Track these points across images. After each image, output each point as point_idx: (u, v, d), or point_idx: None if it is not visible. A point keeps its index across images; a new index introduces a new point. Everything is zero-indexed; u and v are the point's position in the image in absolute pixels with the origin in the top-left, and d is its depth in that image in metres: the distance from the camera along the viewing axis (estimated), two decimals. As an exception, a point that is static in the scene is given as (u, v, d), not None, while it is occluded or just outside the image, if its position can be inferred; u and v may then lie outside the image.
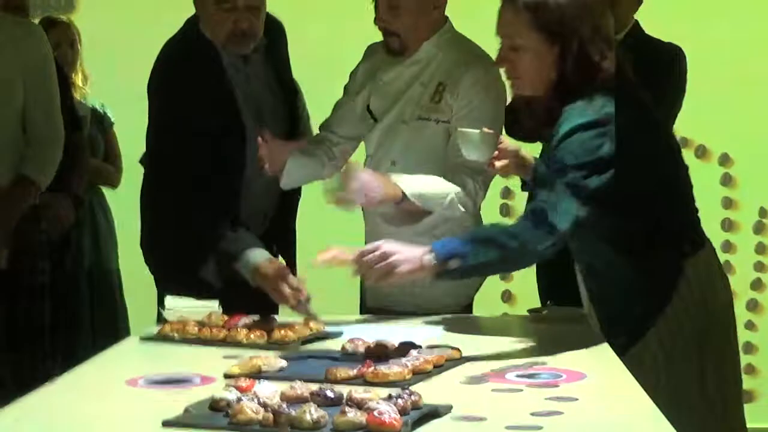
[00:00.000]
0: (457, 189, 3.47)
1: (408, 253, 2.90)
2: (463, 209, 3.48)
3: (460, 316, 3.56)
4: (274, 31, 3.84)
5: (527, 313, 3.53)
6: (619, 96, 3.04)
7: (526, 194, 3.50)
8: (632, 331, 3.11)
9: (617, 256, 3.09)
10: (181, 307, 3.48)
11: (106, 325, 5.14)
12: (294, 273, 3.80)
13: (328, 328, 3.26)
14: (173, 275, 3.65)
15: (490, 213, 3.84)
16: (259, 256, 3.49)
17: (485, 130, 3.30)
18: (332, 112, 3.79)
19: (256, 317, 3.27)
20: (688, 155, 5.76)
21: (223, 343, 3.13)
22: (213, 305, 3.48)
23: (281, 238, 3.87)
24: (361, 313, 3.75)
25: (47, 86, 4.03)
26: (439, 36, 3.63)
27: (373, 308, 3.68)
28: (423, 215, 3.43)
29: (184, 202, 3.57)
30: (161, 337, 3.22)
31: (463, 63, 3.58)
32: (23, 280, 4.01)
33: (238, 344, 3.11)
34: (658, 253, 3.11)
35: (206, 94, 3.63)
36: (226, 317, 3.29)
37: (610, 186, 2.96)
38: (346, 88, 3.80)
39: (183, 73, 3.66)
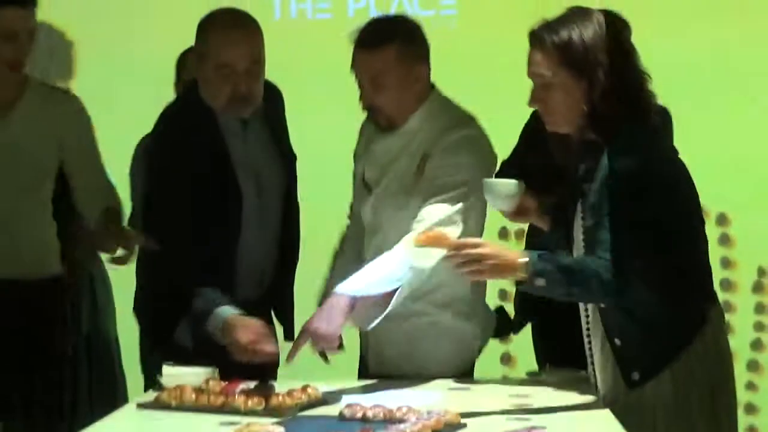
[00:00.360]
0: (409, 252, 3.36)
1: (504, 259, 3.02)
2: (432, 259, 3.34)
3: (459, 380, 3.54)
4: (272, 96, 3.86)
5: (526, 376, 3.51)
6: (656, 129, 3.19)
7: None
8: (648, 368, 3.15)
9: (648, 292, 3.12)
10: (179, 374, 3.46)
11: (104, 392, 5.10)
12: (292, 336, 3.80)
13: (326, 394, 3.24)
14: (154, 337, 3.65)
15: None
16: (228, 311, 3.48)
17: (510, 180, 3.37)
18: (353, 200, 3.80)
19: (253, 384, 3.25)
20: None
21: (221, 410, 3.12)
22: (211, 372, 3.46)
23: (279, 301, 3.87)
24: (361, 378, 3.73)
25: (86, 160, 3.93)
26: (425, 107, 3.61)
27: (374, 374, 3.66)
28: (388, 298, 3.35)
29: (175, 267, 3.56)
30: (159, 405, 3.20)
31: (445, 129, 3.57)
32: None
33: (236, 411, 3.09)
34: (687, 294, 3.18)
35: (202, 158, 3.64)
36: (223, 384, 3.27)
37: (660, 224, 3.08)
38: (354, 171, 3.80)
39: (179, 137, 3.68)
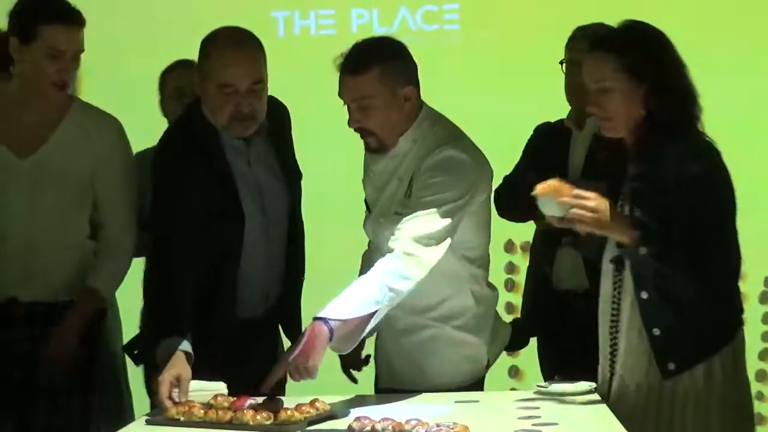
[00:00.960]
0: (387, 273, 3.35)
1: (616, 220, 3.18)
2: (409, 281, 3.38)
3: (468, 393, 3.54)
4: (277, 113, 3.86)
5: (535, 388, 3.51)
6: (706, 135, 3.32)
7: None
8: (684, 360, 3.26)
9: (697, 285, 3.23)
10: (189, 389, 3.47)
11: (110, 408, 5.08)
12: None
13: (335, 408, 3.24)
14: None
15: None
16: (174, 344, 3.46)
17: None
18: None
19: (261, 399, 3.25)
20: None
21: (230, 425, 3.12)
22: (221, 387, 3.47)
23: (287, 317, 3.87)
24: (375, 392, 3.74)
25: (119, 188, 3.86)
26: (414, 128, 3.60)
27: (386, 388, 3.66)
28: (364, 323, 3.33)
29: (177, 286, 3.56)
30: (167, 420, 3.20)
31: (429, 151, 3.55)
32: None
33: (244, 426, 3.10)
34: (730, 296, 3.34)
35: (204, 176, 3.65)
36: (232, 399, 3.28)
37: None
38: None
39: (182, 155, 3.68)
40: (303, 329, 3.31)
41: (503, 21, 6.05)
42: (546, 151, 4.47)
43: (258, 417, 3.11)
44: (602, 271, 3.48)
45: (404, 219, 3.45)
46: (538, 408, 3.29)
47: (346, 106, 3.59)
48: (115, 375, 4.97)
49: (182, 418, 3.19)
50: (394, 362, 3.68)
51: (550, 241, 4.39)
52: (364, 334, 3.34)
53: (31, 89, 3.75)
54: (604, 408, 3.30)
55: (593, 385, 3.47)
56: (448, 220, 3.46)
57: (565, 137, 4.44)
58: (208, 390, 3.46)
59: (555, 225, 3.35)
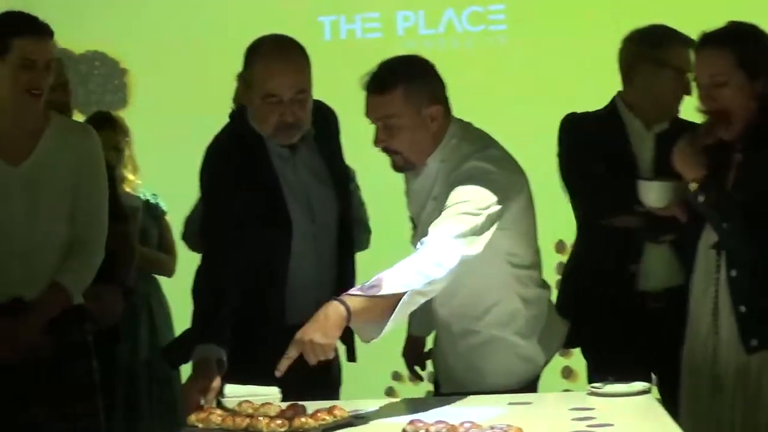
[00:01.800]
0: (418, 259, 3.25)
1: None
2: (441, 268, 3.25)
3: (522, 395, 3.53)
4: (324, 118, 3.87)
5: (589, 389, 3.50)
6: None
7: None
8: (766, 337, 3.45)
9: None
10: (241, 394, 3.48)
11: (165, 416, 5.13)
12: (354, 357, 3.81)
13: (356, 414, 3.22)
14: None
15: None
16: (206, 351, 3.47)
17: (668, 182, 3.64)
18: None
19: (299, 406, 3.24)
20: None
21: None
22: (273, 392, 3.47)
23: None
24: (435, 395, 3.75)
25: (95, 192, 4.03)
26: (442, 147, 3.56)
27: (445, 391, 3.66)
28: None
29: (223, 292, 3.58)
30: (188, 429, 3.21)
31: (454, 168, 3.51)
32: (72, 381, 3.97)
33: None
34: None
35: (251, 184, 3.66)
36: (283, 406, 3.27)
37: None
38: None
39: (228, 164, 3.70)
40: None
41: (549, 21, 6.04)
42: (603, 139, 4.41)
43: (272, 424, 3.09)
44: (698, 258, 3.64)
45: (431, 226, 3.37)
46: (593, 409, 3.27)
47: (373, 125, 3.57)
48: (168, 381, 5.02)
49: (201, 425, 3.19)
50: (451, 366, 3.68)
51: (631, 239, 4.34)
52: (393, 322, 3.18)
53: (11, 100, 3.91)
54: (659, 408, 3.28)
55: (648, 385, 3.47)
56: (476, 221, 3.36)
57: (620, 128, 4.40)
58: (262, 395, 3.46)
59: (655, 212, 3.64)
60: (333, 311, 3.13)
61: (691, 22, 5.90)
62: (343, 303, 3.14)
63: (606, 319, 4.31)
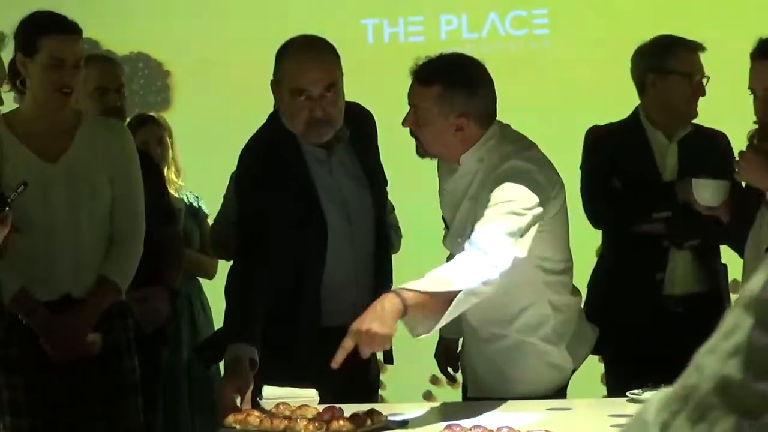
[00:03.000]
0: (472, 259, 3.23)
1: None
2: (495, 269, 3.24)
3: (560, 401, 3.52)
4: (360, 120, 3.86)
5: (628, 395, 3.48)
6: None
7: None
8: None
9: None
10: (279, 396, 3.48)
11: (204, 417, 5.15)
12: (391, 359, 3.81)
13: (393, 419, 3.21)
14: None
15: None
16: (239, 351, 3.44)
17: (720, 180, 3.68)
18: None
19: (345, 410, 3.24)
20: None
21: None
22: (312, 394, 3.48)
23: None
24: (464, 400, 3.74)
25: (132, 185, 4.06)
26: (479, 147, 3.54)
27: (473, 397, 3.66)
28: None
29: (258, 291, 3.58)
30: (225, 429, 3.21)
31: (493, 167, 3.49)
32: (116, 380, 4.00)
33: None
34: None
35: (286, 186, 3.66)
36: (320, 409, 3.27)
37: None
38: None
39: (263, 165, 3.70)
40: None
41: (592, 26, 6.02)
42: (627, 155, 4.48)
43: (310, 427, 3.10)
44: (748, 256, 3.62)
45: (477, 224, 3.34)
46: (631, 416, 3.25)
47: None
48: (209, 382, 5.04)
49: (238, 427, 3.20)
50: (478, 370, 3.67)
51: (657, 246, 4.37)
52: (445, 319, 3.16)
53: (41, 100, 3.96)
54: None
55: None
56: (523, 221, 3.33)
57: (643, 142, 4.44)
58: (299, 397, 3.47)
59: (703, 212, 3.70)
60: (390, 303, 3.08)
61: (735, 27, 5.89)
62: (399, 296, 3.10)
63: (631, 325, 4.36)
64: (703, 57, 4.47)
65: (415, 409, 3.39)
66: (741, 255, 3.72)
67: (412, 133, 3.59)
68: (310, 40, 3.74)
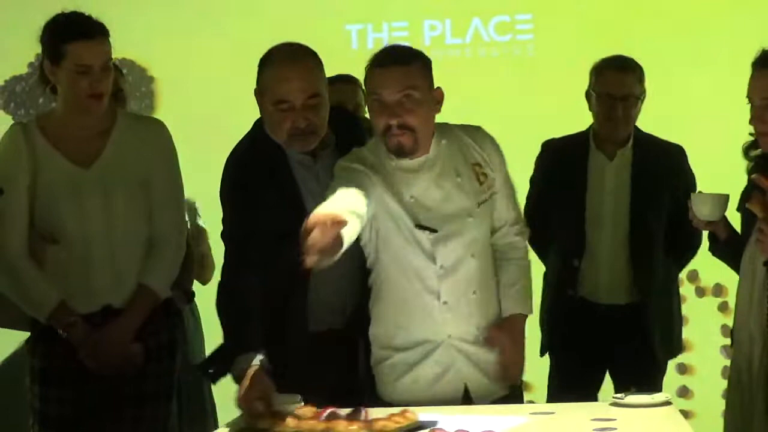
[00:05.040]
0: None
1: None
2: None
3: (543, 405, 3.53)
4: (346, 125, 3.87)
5: (611, 399, 3.50)
6: None
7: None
8: None
9: None
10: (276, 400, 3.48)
11: (195, 420, 5.13)
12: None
13: (423, 418, 3.25)
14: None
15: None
16: (252, 359, 3.46)
17: (722, 194, 3.69)
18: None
19: (346, 410, 3.27)
20: (688, 290, 5.88)
21: None
22: (294, 398, 3.48)
23: (365, 332, 3.84)
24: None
25: (171, 185, 3.97)
26: (437, 130, 3.65)
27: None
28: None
29: (251, 303, 3.58)
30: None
31: (466, 135, 3.69)
32: (153, 383, 3.96)
33: None
34: None
35: (272, 193, 3.66)
36: (315, 409, 3.29)
37: None
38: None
39: (249, 173, 3.69)
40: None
41: (576, 31, 6.03)
42: (565, 169, 4.69)
43: (351, 428, 3.12)
44: (744, 270, 3.61)
45: (497, 209, 3.67)
46: (615, 419, 3.27)
47: (376, 105, 3.52)
48: (198, 384, 5.03)
49: (276, 429, 3.22)
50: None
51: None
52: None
53: (73, 105, 3.85)
54: (680, 419, 3.28)
55: (669, 396, 3.47)
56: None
57: (582, 160, 4.63)
58: (282, 402, 3.48)
59: (701, 227, 3.70)
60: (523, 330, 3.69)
61: (718, 34, 5.91)
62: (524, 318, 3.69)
63: (561, 334, 4.65)
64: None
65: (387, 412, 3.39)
66: (735, 269, 3.73)
67: (400, 128, 3.51)
68: (292, 49, 3.72)
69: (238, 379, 3.44)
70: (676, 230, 4.61)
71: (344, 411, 3.27)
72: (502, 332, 3.61)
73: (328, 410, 3.25)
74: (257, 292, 3.57)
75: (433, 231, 3.59)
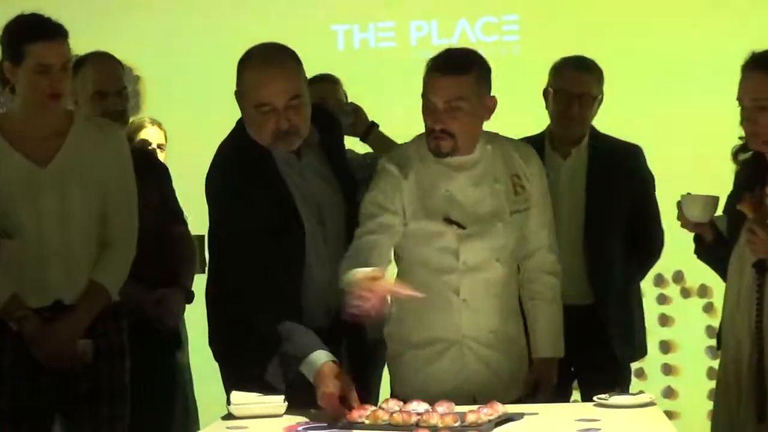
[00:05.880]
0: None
1: None
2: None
3: (528, 405, 3.54)
4: (328, 123, 3.88)
5: (595, 400, 3.51)
6: None
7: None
8: None
9: None
10: (247, 402, 3.49)
11: (176, 421, 5.11)
12: (362, 367, 3.82)
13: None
14: (239, 374, 3.67)
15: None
16: (323, 356, 3.49)
17: (711, 195, 3.68)
18: (368, 222, 3.69)
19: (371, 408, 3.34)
20: (673, 291, 5.83)
21: (417, 426, 3.19)
22: (278, 400, 3.49)
23: (349, 332, 3.85)
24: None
25: (125, 188, 4.01)
26: (484, 134, 3.74)
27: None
28: None
29: (247, 303, 3.59)
30: (350, 424, 3.29)
31: (513, 148, 3.78)
32: (106, 382, 3.96)
33: (434, 428, 3.17)
34: None
35: (260, 194, 3.66)
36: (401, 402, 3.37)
37: None
38: (378, 203, 3.71)
39: (236, 175, 3.69)
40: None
41: (562, 32, 6.04)
42: None
43: (446, 419, 3.19)
44: (732, 272, 3.60)
45: (532, 227, 3.77)
46: (598, 420, 3.28)
47: (427, 106, 3.62)
48: (182, 386, 5.01)
49: (367, 422, 3.27)
50: None
51: None
52: None
53: (32, 105, 3.91)
54: (664, 420, 3.29)
55: (653, 396, 3.47)
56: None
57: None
58: (267, 403, 3.48)
59: (689, 229, 3.68)
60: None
61: (705, 39, 5.93)
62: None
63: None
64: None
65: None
66: (721, 274, 3.74)
67: (444, 131, 3.60)
68: (271, 51, 3.72)
69: (313, 379, 3.44)
70: (637, 234, 4.61)
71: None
72: (541, 379, 3.75)
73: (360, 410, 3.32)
74: (265, 297, 3.57)
75: (461, 227, 3.67)
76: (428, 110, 3.63)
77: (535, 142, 4.59)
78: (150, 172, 4.49)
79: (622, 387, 4.48)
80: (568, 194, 4.56)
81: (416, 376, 3.70)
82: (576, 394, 4.64)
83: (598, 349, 4.51)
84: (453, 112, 3.59)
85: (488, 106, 3.68)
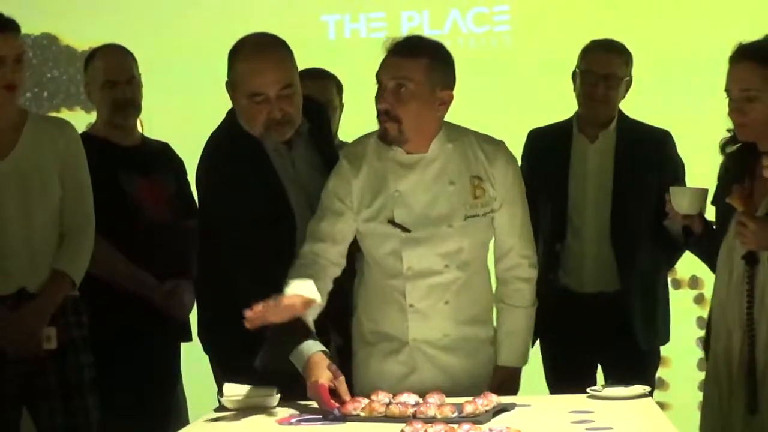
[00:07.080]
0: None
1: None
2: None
3: (522, 397, 3.53)
4: (317, 112, 3.89)
5: (589, 391, 3.50)
6: None
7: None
8: None
9: None
10: (239, 394, 3.48)
11: (164, 416, 5.10)
12: (349, 357, 3.81)
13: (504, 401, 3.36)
14: (229, 363, 3.65)
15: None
16: (313, 346, 3.47)
17: (701, 188, 3.68)
18: (318, 230, 3.64)
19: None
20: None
21: (413, 418, 3.17)
22: (271, 392, 3.48)
23: (334, 320, 3.84)
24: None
25: (79, 182, 4.07)
26: (445, 131, 3.63)
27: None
28: None
29: (238, 292, 3.57)
30: (346, 417, 3.28)
31: (480, 148, 3.65)
32: (72, 376, 4.01)
33: (431, 419, 3.15)
34: None
35: (252, 183, 3.66)
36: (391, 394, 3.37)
37: None
38: (327, 206, 3.66)
39: (227, 165, 3.69)
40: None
41: (553, 22, 6.03)
42: (548, 154, 4.62)
43: (444, 410, 3.19)
44: (721, 264, 3.59)
45: (500, 232, 3.66)
46: (592, 412, 3.28)
47: (380, 89, 3.55)
48: (169, 383, 5.00)
49: (362, 414, 3.26)
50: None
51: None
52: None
53: None
54: (658, 412, 3.29)
55: (647, 388, 3.47)
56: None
57: (565, 146, 4.57)
58: (259, 395, 3.47)
59: (678, 220, 3.68)
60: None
61: (696, 29, 5.92)
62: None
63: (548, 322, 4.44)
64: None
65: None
66: (709, 266, 3.73)
67: (386, 115, 3.54)
68: (262, 40, 3.72)
69: (303, 370, 3.43)
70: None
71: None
72: (502, 387, 3.61)
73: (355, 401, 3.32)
74: (252, 278, 3.57)
75: (405, 230, 3.59)
76: (378, 92, 3.56)
77: (563, 127, 4.57)
78: (168, 164, 4.57)
79: (647, 374, 4.47)
80: (596, 178, 4.52)
81: (368, 372, 3.67)
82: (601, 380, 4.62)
83: (621, 336, 4.49)
84: (399, 94, 3.50)
85: (441, 98, 3.56)
